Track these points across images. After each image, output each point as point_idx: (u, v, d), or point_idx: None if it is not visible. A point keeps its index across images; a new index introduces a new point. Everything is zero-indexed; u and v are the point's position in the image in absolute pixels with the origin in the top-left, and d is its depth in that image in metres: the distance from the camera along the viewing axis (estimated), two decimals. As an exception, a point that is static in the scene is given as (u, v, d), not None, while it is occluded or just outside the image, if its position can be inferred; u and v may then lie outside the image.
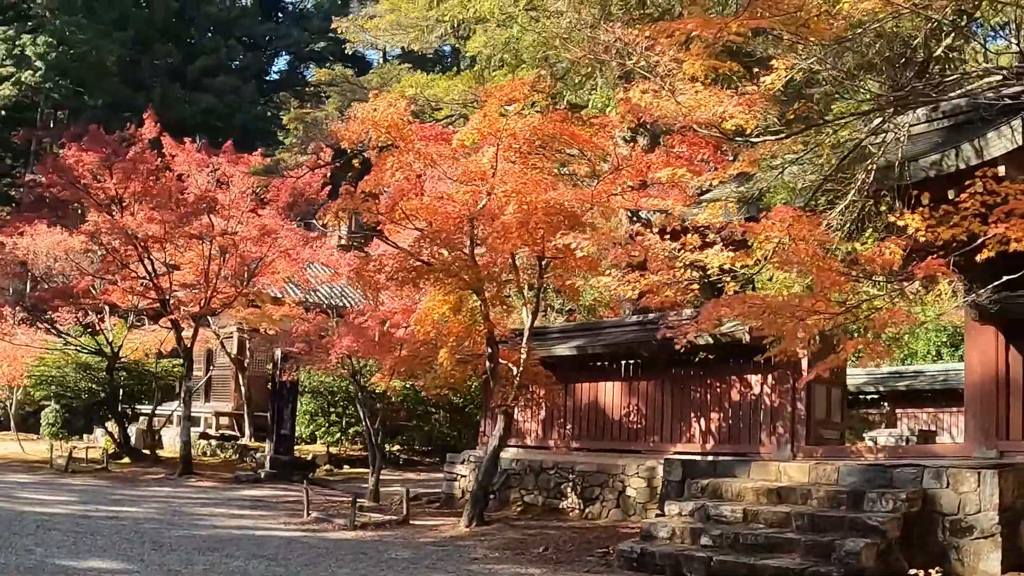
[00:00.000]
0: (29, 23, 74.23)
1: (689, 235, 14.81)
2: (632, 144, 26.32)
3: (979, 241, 13.03)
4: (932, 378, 33.70)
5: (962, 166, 15.17)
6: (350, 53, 54.03)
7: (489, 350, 21.97)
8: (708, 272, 14.60)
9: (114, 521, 21.66)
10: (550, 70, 33.19)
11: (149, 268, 35.08)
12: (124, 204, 34.63)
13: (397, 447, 40.99)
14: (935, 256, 13.50)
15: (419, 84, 38.07)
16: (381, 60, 72.46)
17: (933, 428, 32.37)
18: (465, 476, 25.89)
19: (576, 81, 32.18)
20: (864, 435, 28.46)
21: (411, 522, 22.31)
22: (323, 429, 40.71)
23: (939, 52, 13.92)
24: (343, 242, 44.90)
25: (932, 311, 38.16)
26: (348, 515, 22.18)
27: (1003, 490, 14.51)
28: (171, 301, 35.82)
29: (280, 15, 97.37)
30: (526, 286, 22.26)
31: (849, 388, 33.87)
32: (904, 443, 24.74)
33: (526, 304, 22.79)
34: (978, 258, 12.91)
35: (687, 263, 14.81)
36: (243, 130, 69.81)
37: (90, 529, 20.06)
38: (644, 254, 16.09)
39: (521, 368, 21.83)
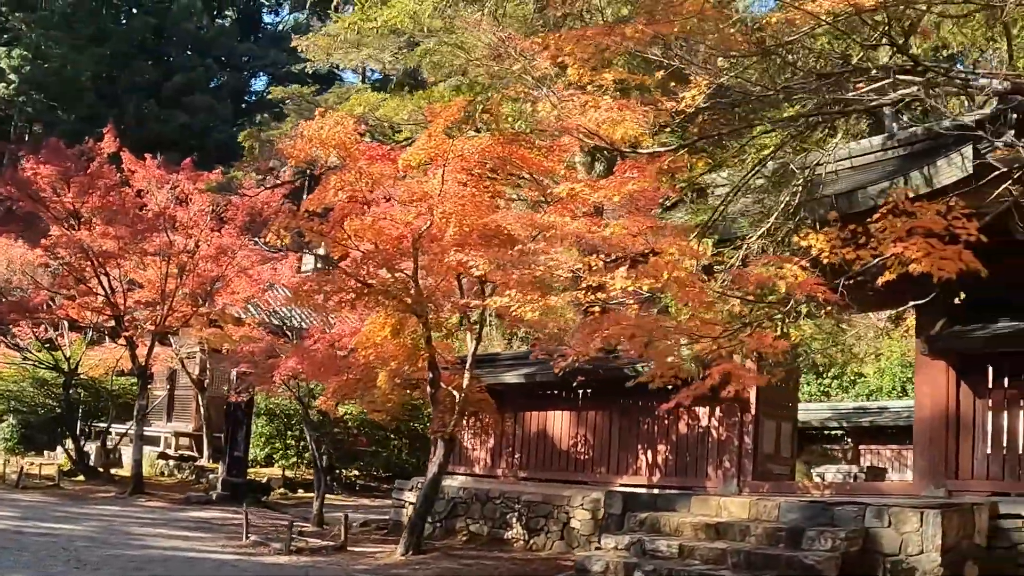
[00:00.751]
0: (4, 35, 73.92)
1: (594, 257, 14.40)
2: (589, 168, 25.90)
3: (875, 261, 12.54)
4: (896, 414, 33.29)
5: (911, 195, 14.78)
6: (324, 73, 53.37)
7: (430, 375, 21.58)
8: (611, 294, 14.15)
9: (47, 538, 21.34)
10: (468, 84, 32.73)
11: (105, 284, 34.57)
12: (82, 219, 34.20)
13: (355, 472, 40.41)
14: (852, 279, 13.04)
15: (368, 103, 37.52)
16: (361, 80, 72.03)
17: (894, 465, 32.03)
18: (413, 503, 25.40)
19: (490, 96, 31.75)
20: (812, 471, 28.09)
21: (349, 548, 21.91)
22: (279, 452, 40.19)
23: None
24: (319, 265, 44.42)
25: (899, 346, 37.94)
26: (286, 540, 21.69)
27: (946, 531, 14.11)
28: (126, 318, 35.29)
29: (259, 35, 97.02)
30: (473, 312, 21.75)
31: (812, 423, 33.63)
32: (852, 480, 24.33)
33: (469, 329, 22.34)
34: (880, 281, 12.34)
35: (591, 285, 14.36)
36: (218, 149, 69.39)
37: (20, 545, 19.84)
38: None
39: (463, 394, 21.40)
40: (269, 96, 56.69)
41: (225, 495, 32.96)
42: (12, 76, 70.73)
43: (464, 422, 24.50)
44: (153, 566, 18.24)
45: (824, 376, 41.52)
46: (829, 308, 15.32)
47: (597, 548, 17.50)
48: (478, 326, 21.95)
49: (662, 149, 14.51)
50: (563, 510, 21.60)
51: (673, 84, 13.83)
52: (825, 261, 12.72)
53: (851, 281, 12.87)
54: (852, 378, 40.84)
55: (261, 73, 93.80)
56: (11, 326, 40.48)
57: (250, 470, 37.92)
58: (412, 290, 20.19)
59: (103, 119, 64.42)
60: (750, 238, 15.21)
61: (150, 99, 78.21)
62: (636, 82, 13.90)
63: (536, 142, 20.36)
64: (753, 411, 19.96)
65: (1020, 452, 16.60)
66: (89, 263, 33.81)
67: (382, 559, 20.68)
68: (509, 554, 21.35)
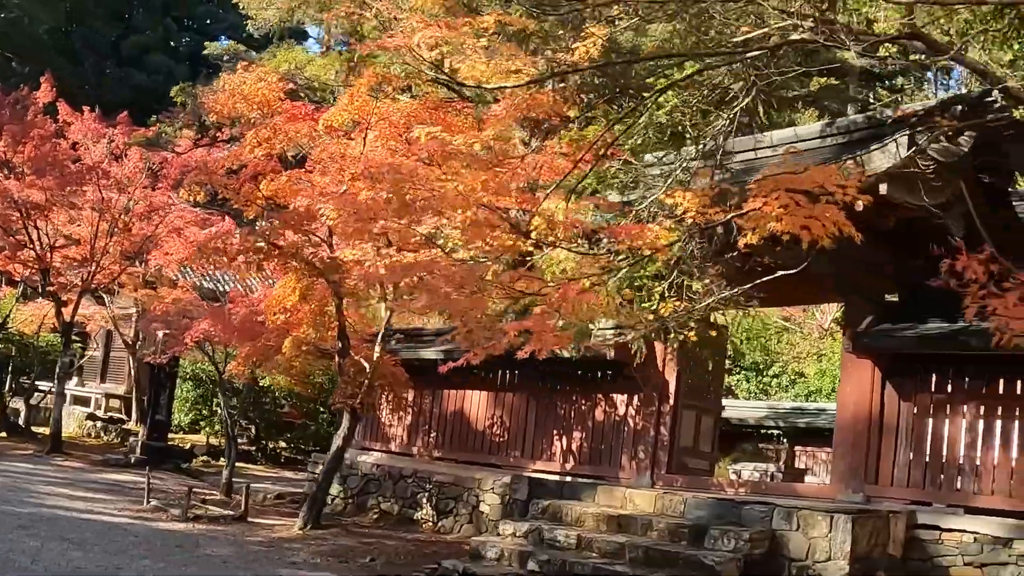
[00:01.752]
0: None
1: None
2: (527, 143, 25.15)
3: (729, 216, 11.71)
4: (833, 417, 32.77)
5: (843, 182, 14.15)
6: (282, 34, 52.38)
7: (339, 344, 20.89)
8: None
9: (-62, 492, 20.63)
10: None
11: (34, 237, 33.65)
12: (15, 168, 33.23)
13: (283, 444, 39.69)
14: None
15: (294, 61, 36.79)
16: (326, 47, 71.03)
17: (828, 468, 31.54)
18: (322, 478, 24.79)
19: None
20: (730, 468, 27.55)
21: (249, 519, 21.25)
22: (205, 419, 39.41)
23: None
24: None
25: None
26: (185, 506, 21.08)
27: (858, 538, 13.59)
28: (53, 273, 34.38)
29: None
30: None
31: (748, 421, 33.11)
32: (769, 479, 23.78)
33: (382, 298, 21.59)
34: (741, 243, 11.38)
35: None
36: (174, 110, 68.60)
37: (-97, 498, 19.10)
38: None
39: (373, 366, 20.70)
40: (205, 52, 55.84)
41: (143, 459, 32.14)
42: (-34, 25, 69.81)
43: (384, 398, 23.87)
44: (39, 525, 17.62)
45: (764, 374, 41.11)
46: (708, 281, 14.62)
47: (496, 534, 16.94)
48: (392, 295, 21.13)
49: (508, 85, 13.74)
50: (473, 493, 20.96)
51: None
52: (690, 221, 11.95)
53: (710, 242, 12.27)
54: (792, 377, 40.44)
55: (222, 36, 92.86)
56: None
57: (175, 436, 37.37)
58: (324, 255, 19.44)
59: (61, 74, 63.52)
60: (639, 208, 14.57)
61: (108, 58, 77.28)
62: (518, 27, 13.21)
63: (465, 110, 19.65)
64: (672, 401, 19.34)
65: (944, 461, 15.97)
66: (18, 214, 32.80)
67: (280, 532, 20.08)
68: (414, 535, 20.73)
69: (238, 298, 25.55)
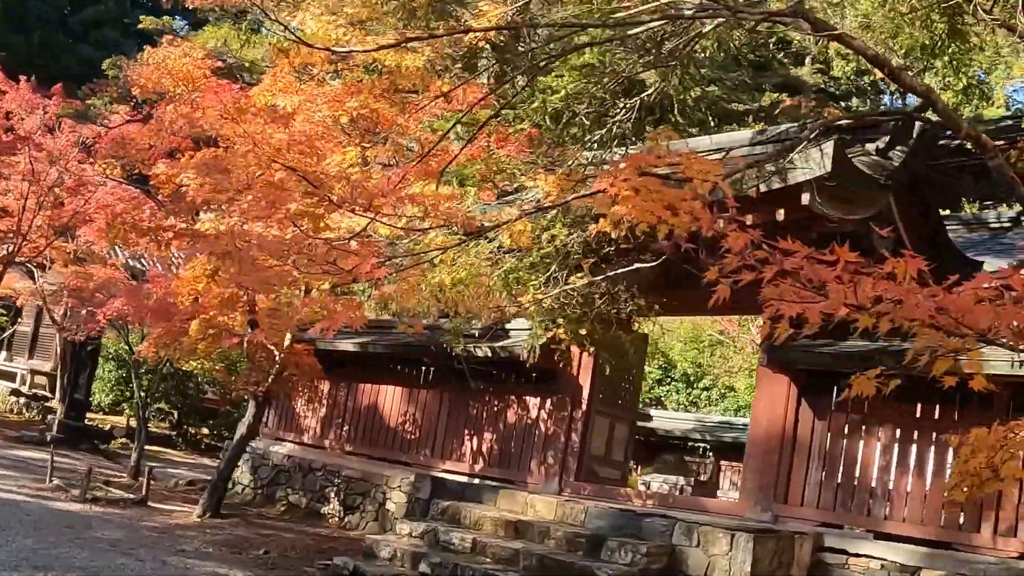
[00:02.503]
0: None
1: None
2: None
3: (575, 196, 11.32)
4: (759, 434, 32.65)
5: (763, 189, 13.86)
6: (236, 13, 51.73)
7: (248, 329, 20.42)
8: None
9: None
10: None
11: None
12: (-56, 136, 32.58)
13: (205, 431, 39.24)
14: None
15: (220, 37, 36.35)
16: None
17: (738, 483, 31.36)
18: (239, 467, 24.35)
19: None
20: (640, 479, 27.27)
21: (151, 504, 20.85)
22: (127, 401, 38.85)
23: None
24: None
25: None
26: (92, 487, 20.73)
27: (759, 558, 13.27)
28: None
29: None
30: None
31: (675, 432, 32.87)
32: (678, 492, 23.48)
33: (295, 285, 21.15)
34: (592, 229, 10.89)
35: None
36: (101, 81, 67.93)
37: None
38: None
39: (282, 354, 20.28)
40: (140, 27, 55.27)
41: (60, 438, 31.67)
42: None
43: (299, 388, 23.44)
44: (-76, 500, 17.19)
45: (695, 386, 40.90)
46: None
47: (395, 533, 16.57)
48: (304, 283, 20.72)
49: (361, 49, 13.37)
50: (381, 490, 20.67)
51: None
52: (548, 203, 11.61)
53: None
54: (723, 391, 40.24)
55: (177, 16, 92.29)
56: None
57: (96, 416, 36.98)
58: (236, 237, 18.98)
59: (10, 46, 62.74)
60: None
61: (57, 30, 76.55)
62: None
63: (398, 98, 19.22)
64: (585, 407, 18.99)
65: (856, 483, 15.62)
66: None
67: (178, 519, 19.74)
68: (317, 529, 20.45)
69: (158, 278, 24.97)
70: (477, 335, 19.37)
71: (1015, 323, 5.56)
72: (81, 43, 76.23)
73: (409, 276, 14.85)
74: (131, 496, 21.11)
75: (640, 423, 31.08)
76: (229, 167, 15.71)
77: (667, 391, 41.11)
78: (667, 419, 35.09)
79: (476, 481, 19.30)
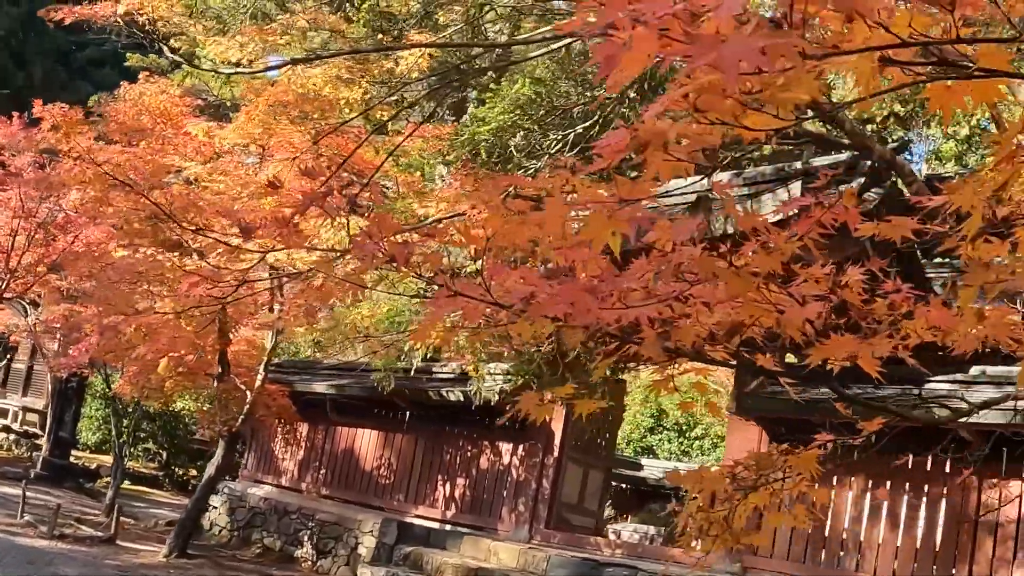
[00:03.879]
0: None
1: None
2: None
3: None
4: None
5: (730, 230, 13.66)
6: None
7: (219, 369, 20.28)
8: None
9: None
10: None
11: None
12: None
13: (194, 472, 38.99)
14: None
15: (200, 76, 36.13)
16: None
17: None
18: (216, 508, 24.16)
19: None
20: (610, 528, 26.94)
21: (119, 543, 20.71)
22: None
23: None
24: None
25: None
26: (62, 524, 20.52)
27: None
28: (-37, 276, 33.61)
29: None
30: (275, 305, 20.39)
31: (663, 482, 32.52)
32: (648, 541, 23.13)
33: (268, 326, 20.99)
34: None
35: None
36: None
37: None
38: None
39: (255, 394, 20.12)
40: (127, 64, 55.38)
41: (43, 475, 31.62)
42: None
43: (276, 429, 23.29)
44: None
45: (687, 435, 40.52)
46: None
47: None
48: (277, 321, 20.52)
49: (245, 71, 13.29)
50: (354, 534, 20.43)
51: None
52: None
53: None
54: (715, 440, 39.85)
55: (164, 56, 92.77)
56: None
57: (83, 455, 36.79)
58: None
59: (11, 80, 62.89)
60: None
61: (60, 67, 76.82)
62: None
63: (380, 143, 19.07)
64: (556, 454, 18.74)
65: (826, 535, 15.34)
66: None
67: (143, 558, 19.55)
68: (287, 572, 20.32)
69: (135, 315, 24.86)
70: (451, 378, 19.21)
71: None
72: (82, 80, 76.40)
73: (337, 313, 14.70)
74: (99, 534, 20.94)
75: (630, 472, 30.83)
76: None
77: (659, 440, 40.73)
78: (658, 468, 34.76)
79: (446, 527, 19.09)
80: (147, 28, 15.11)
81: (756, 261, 4.00)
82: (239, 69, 13.08)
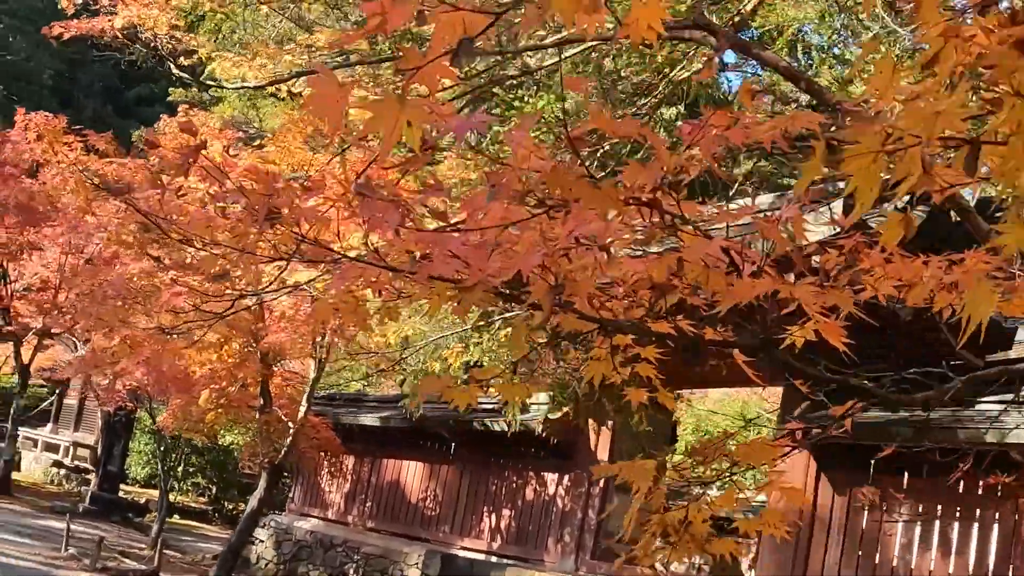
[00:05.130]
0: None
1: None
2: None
3: None
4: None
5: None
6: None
7: (261, 401, 20.14)
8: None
9: None
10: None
11: (-1, 272, 32.98)
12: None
13: (243, 506, 38.90)
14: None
15: (237, 107, 36.16)
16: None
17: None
18: (263, 541, 24.02)
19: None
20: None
21: (161, 575, 20.41)
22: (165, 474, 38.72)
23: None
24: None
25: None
26: (106, 557, 20.57)
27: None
28: (11, 313, 33.60)
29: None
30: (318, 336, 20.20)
31: (719, 514, 32.07)
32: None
33: (311, 355, 20.83)
34: None
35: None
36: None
37: None
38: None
39: (298, 426, 19.96)
40: (169, 99, 55.73)
41: (92, 509, 31.68)
42: (-31, 67, 69.90)
43: (320, 462, 23.15)
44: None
45: (739, 465, 40.10)
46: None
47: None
48: (321, 352, 20.36)
49: (249, 85, 13.15)
50: (399, 567, 20.30)
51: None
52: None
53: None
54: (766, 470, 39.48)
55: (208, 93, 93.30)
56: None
57: (132, 489, 36.89)
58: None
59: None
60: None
61: (107, 105, 77.33)
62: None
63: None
64: (602, 483, 18.45)
65: (877, 562, 14.97)
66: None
67: (186, 593, 19.37)
68: (332, 605, 20.05)
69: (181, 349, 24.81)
70: (494, 408, 18.99)
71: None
72: (129, 119, 76.86)
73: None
74: (143, 568, 20.91)
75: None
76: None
77: (713, 470, 40.36)
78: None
79: (492, 559, 18.89)
80: (154, 45, 15.02)
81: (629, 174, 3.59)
82: (245, 84, 12.96)
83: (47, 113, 31.74)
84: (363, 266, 3.72)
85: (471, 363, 14.28)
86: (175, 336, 18.21)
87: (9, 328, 33.46)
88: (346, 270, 3.82)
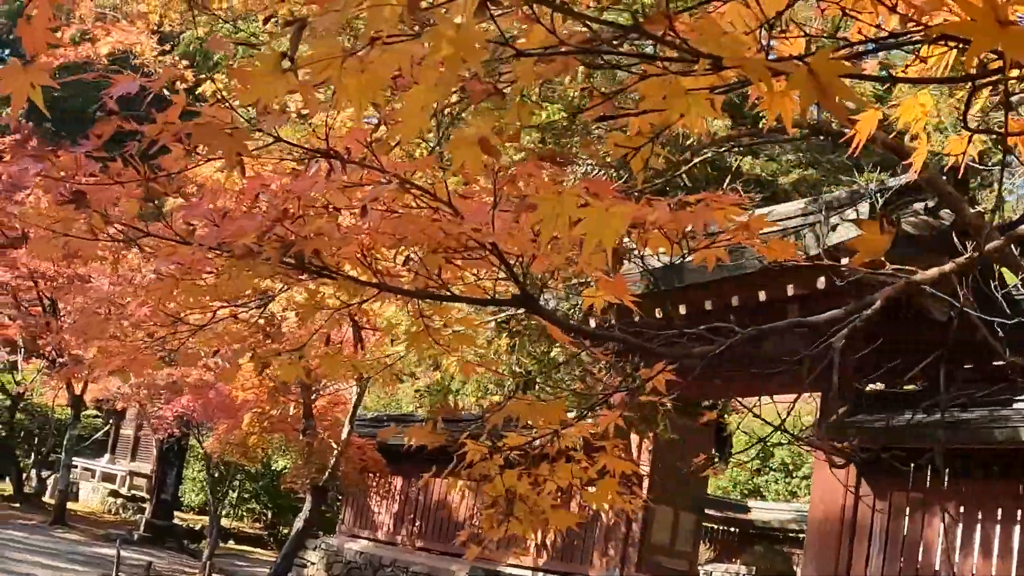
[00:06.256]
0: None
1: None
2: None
3: None
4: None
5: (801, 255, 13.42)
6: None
7: (304, 422, 20.26)
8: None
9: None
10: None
11: (47, 306, 33.26)
12: (30, 239, 32.79)
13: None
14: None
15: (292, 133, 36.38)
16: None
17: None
18: (314, 563, 24.13)
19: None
20: (702, 570, 26.56)
21: (210, 599, 20.66)
22: (218, 500, 38.89)
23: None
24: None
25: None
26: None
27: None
28: (62, 343, 33.83)
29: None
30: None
31: (772, 524, 32.08)
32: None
33: (354, 378, 20.92)
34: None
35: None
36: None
37: None
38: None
39: (342, 447, 20.07)
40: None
41: (146, 536, 31.96)
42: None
43: (366, 483, 23.23)
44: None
45: (793, 475, 39.85)
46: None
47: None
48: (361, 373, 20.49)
49: None
50: (447, 585, 20.28)
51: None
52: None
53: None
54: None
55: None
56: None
57: (187, 516, 37.11)
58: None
59: (108, 153, 63.70)
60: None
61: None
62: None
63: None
64: (644, 495, 18.42)
65: (918, 566, 14.86)
66: (32, 284, 32.44)
67: (235, 615, 19.49)
68: (381, 626, 20.14)
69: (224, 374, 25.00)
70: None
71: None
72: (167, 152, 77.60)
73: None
74: (192, 592, 21.03)
75: (738, 515, 30.46)
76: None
77: (766, 481, 40.12)
78: (765, 510, 34.32)
79: (538, 574, 18.88)
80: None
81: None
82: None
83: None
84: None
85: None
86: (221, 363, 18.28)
87: (61, 360, 33.71)
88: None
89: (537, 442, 6.06)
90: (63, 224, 3.71)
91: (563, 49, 2.97)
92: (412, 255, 4.25)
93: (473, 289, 4.65)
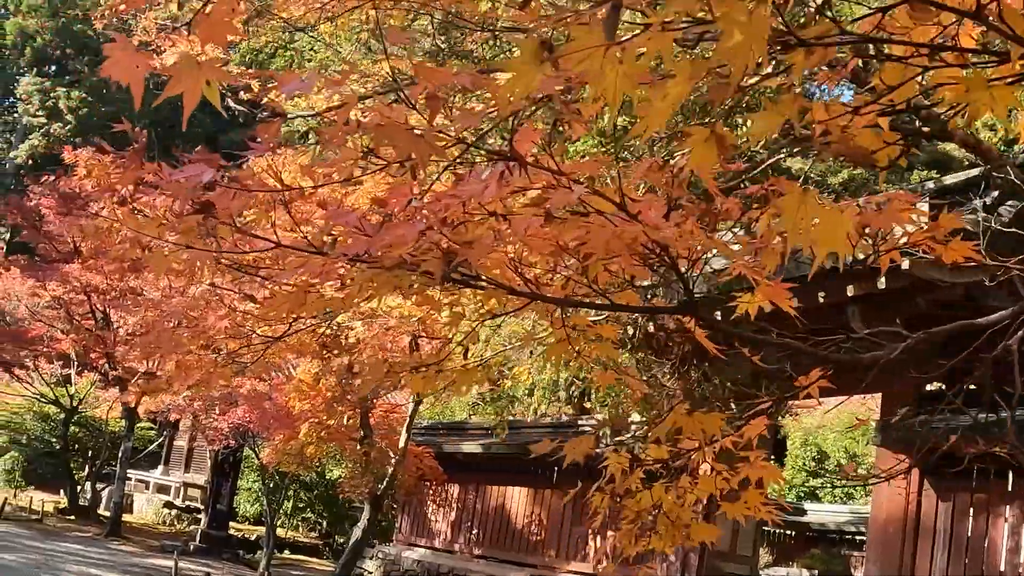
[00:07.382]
0: (67, 77, 73.85)
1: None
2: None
3: None
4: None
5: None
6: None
7: (362, 432, 20.26)
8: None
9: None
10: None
11: (100, 319, 33.41)
12: (82, 254, 32.99)
13: (354, 538, 39.21)
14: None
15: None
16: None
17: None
18: (371, 572, 24.12)
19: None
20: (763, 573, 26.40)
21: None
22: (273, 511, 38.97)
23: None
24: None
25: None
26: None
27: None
28: (116, 358, 33.96)
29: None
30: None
31: (828, 526, 31.88)
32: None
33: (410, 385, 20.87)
34: None
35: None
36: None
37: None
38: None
39: (399, 456, 20.03)
40: (259, 140, 56.47)
41: (202, 547, 32.02)
42: (69, 116, 70.44)
43: (424, 491, 23.22)
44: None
45: (850, 478, 39.63)
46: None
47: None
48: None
49: None
50: (505, 593, 20.23)
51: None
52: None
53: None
54: (881, 482, 38.98)
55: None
56: (23, 358, 39.23)
57: (242, 526, 37.18)
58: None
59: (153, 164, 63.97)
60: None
61: (209, 148, 78.38)
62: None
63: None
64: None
65: (983, 567, 14.66)
66: (85, 298, 32.61)
67: (291, 625, 19.50)
68: (440, 634, 20.09)
69: (281, 385, 24.98)
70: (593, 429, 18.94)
71: None
72: (229, 161, 77.77)
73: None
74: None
75: (794, 518, 30.28)
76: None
77: (822, 482, 39.91)
78: (822, 512, 34.15)
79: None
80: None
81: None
82: (300, 113, 12.98)
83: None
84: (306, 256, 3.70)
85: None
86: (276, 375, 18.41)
87: (115, 372, 33.86)
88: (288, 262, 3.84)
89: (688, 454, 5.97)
90: (183, 236, 3.60)
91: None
92: (563, 262, 4.14)
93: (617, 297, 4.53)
